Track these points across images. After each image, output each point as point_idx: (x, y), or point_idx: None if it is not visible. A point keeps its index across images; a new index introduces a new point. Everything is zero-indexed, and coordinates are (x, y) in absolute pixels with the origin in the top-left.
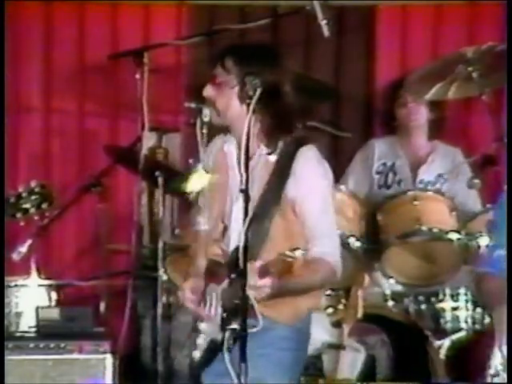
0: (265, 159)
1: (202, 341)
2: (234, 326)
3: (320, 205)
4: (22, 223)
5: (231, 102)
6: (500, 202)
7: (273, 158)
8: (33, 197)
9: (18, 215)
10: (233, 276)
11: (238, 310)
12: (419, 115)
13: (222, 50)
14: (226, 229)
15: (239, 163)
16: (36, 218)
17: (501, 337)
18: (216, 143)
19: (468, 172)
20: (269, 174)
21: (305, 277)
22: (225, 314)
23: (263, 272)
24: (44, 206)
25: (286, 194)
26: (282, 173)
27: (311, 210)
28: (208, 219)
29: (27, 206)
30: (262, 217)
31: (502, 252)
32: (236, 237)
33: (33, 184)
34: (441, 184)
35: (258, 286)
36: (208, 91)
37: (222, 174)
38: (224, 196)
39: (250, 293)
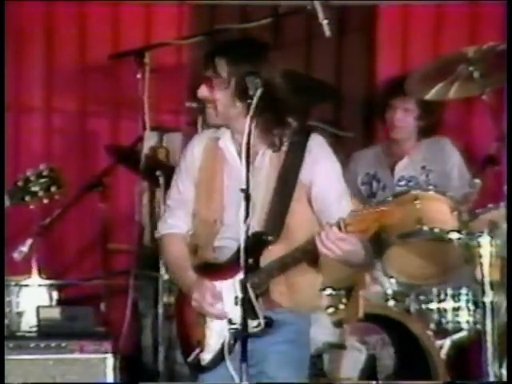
0: (270, 155)
1: (213, 342)
2: (236, 325)
3: (338, 185)
4: (31, 206)
5: (228, 101)
6: None
7: (279, 153)
8: (41, 180)
9: (27, 198)
10: (251, 262)
11: (259, 296)
12: (404, 127)
13: (212, 49)
14: (219, 224)
15: (241, 159)
16: (45, 201)
17: None
18: (201, 140)
19: (459, 160)
20: (280, 162)
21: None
22: (253, 300)
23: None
24: (53, 189)
25: (301, 179)
26: (294, 161)
27: (330, 188)
28: (189, 219)
29: (36, 188)
30: (279, 204)
31: None
32: (246, 226)
33: (41, 167)
34: (426, 176)
35: (339, 237)
36: (203, 92)
37: (216, 171)
38: (218, 192)
39: (326, 251)
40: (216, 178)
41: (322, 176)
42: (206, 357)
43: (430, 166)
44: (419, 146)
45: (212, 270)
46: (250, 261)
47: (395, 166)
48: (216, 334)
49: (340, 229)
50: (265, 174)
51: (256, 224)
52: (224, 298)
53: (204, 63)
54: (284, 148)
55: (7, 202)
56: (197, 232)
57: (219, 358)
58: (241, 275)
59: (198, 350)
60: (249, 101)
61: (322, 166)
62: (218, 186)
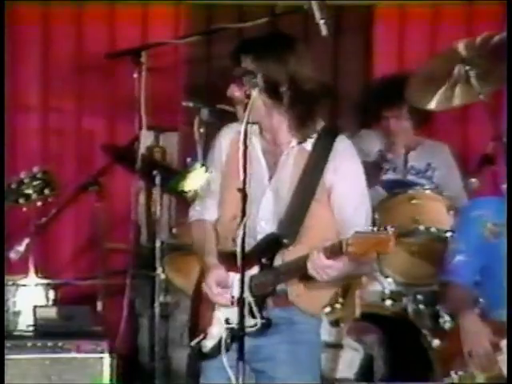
0: (297, 150)
1: (216, 331)
2: (232, 325)
3: (357, 193)
4: (24, 209)
5: (258, 99)
6: (462, 209)
7: (306, 146)
8: (35, 182)
9: (21, 201)
10: (264, 261)
11: (269, 295)
12: (401, 131)
13: (237, 47)
14: (238, 220)
15: (264, 155)
16: (38, 203)
17: (468, 342)
18: (229, 132)
19: (455, 166)
20: (304, 163)
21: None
22: (254, 300)
23: (332, 252)
24: (46, 191)
25: (324, 181)
26: (319, 161)
27: (348, 196)
28: (216, 208)
29: (29, 191)
30: (298, 206)
31: (462, 258)
32: (265, 225)
33: (35, 169)
34: (431, 172)
35: (325, 265)
36: (233, 92)
37: (239, 166)
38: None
39: (314, 274)
40: (238, 173)
41: (344, 180)
42: (208, 344)
43: (435, 164)
44: (425, 143)
45: (229, 260)
46: (264, 260)
47: (408, 154)
48: (220, 324)
49: (341, 248)
50: (289, 173)
51: (275, 224)
52: (234, 289)
53: (231, 62)
54: (309, 148)
55: None
56: (219, 227)
57: (219, 348)
58: (253, 271)
59: (201, 336)
60: (246, 100)
61: (344, 170)
62: (239, 182)
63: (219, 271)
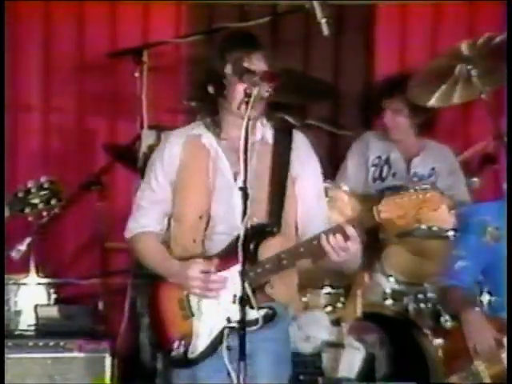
0: (260, 144)
1: (205, 335)
2: (233, 324)
3: (319, 183)
4: (30, 218)
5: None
6: (462, 215)
7: (268, 140)
8: (42, 192)
9: (27, 210)
10: (252, 249)
11: (262, 287)
12: (397, 127)
13: (236, 44)
14: (205, 220)
15: (225, 152)
16: (44, 213)
17: (471, 337)
18: (178, 139)
19: (459, 169)
20: (269, 156)
21: None
22: (250, 293)
23: (358, 225)
24: (53, 201)
25: (291, 173)
26: (282, 155)
27: (312, 186)
28: (163, 219)
29: (36, 201)
30: (275, 201)
31: (463, 263)
32: (241, 219)
33: (42, 179)
34: (435, 177)
35: (346, 246)
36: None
37: (199, 168)
38: (204, 189)
39: (332, 252)
40: (200, 174)
41: (307, 170)
42: (196, 350)
43: (438, 169)
44: (429, 147)
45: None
46: (251, 247)
47: (411, 161)
48: (207, 327)
49: (373, 218)
50: (254, 167)
51: (248, 218)
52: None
53: (228, 59)
54: (270, 141)
55: (6, 213)
56: (180, 231)
57: (209, 352)
58: (237, 267)
59: (183, 343)
60: (246, 99)
61: (306, 161)
62: (202, 183)
63: (199, 263)
